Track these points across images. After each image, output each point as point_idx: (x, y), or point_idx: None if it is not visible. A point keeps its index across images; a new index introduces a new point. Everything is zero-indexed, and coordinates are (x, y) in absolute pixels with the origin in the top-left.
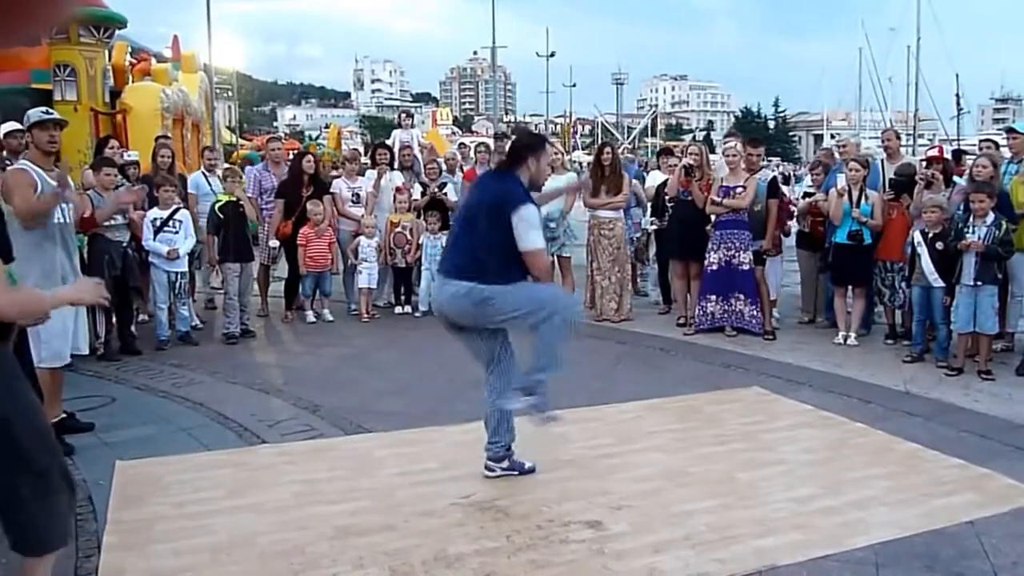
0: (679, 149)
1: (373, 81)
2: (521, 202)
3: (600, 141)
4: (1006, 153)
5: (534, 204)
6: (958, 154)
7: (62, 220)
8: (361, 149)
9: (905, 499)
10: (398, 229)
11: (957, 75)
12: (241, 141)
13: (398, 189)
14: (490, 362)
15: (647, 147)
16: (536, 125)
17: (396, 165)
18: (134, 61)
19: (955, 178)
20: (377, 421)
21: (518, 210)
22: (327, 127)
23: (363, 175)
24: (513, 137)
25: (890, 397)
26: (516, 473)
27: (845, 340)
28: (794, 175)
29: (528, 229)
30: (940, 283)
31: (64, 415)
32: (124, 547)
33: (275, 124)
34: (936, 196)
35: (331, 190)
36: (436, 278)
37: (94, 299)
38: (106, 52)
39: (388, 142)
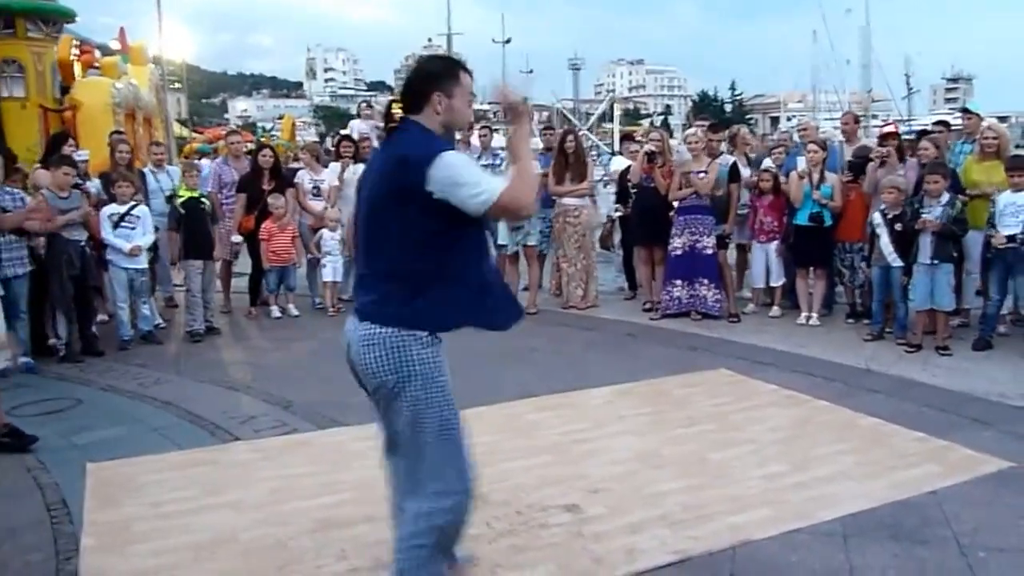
0: (638, 134)
1: (326, 70)
2: (430, 154)
3: (555, 127)
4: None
5: (451, 147)
6: (922, 134)
7: None
8: (315, 138)
9: (870, 472)
10: None
11: (907, 56)
12: (192, 134)
13: None
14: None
15: (605, 132)
16: (494, 113)
17: (357, 157)
18: (78, 54)
19: (907, 157)
20: (350, 414)
21: (432, 165)
22: (280, 118)
23: (327, 167)
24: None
25: (852, 375)
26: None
27: (807, 321)
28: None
29: (464, 180)
30: (899, 262)
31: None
32: (103, 549)
33: (226, 116)
34: (895, 177)
35: (294, 181)
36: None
37: None
38: (54, 47)
39: (347, 132)
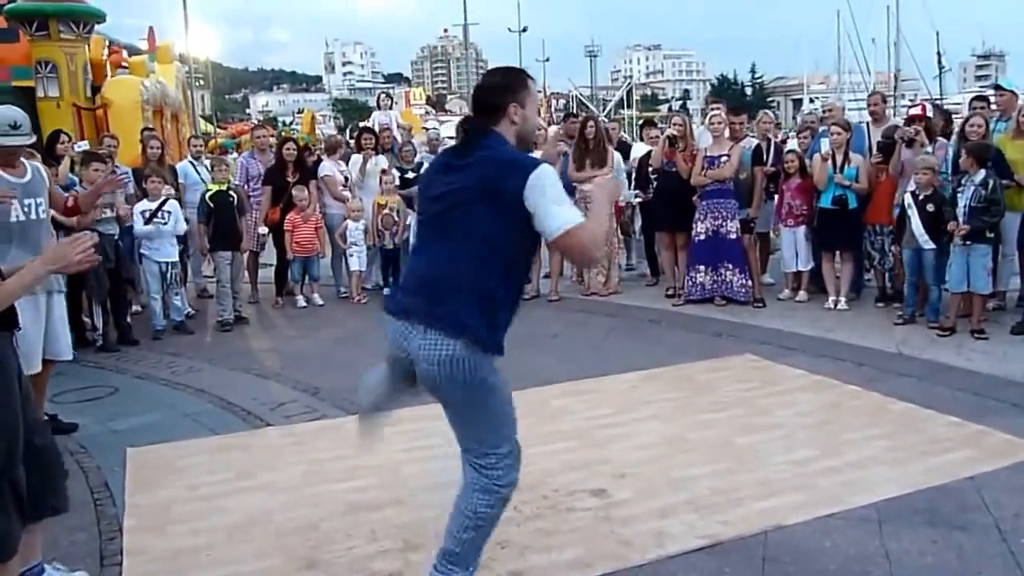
0: (657, 119)
1: (344, 64)
2: (529, 166)
3: (575, 114)
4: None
5: (546, 162)
6: (938, 110)
7: (23, 218)
8: (334, 131)
9: (903, 458)
10: (385, 211)
11: (937, 33)
12: (216, 130)
13: (383, 171)
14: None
15: (623, 119)
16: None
17: (379, 148)
18: (108, 54)
19: (940, 138)
20: None
21: (529, 178)
22: (300, 112)
23: (346, 160)
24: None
25: (883, 359)
26: None
27: (835, 305)
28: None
29: (552, 202)
30: (931, 245)
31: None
32: (144, 529)
33: (248, 111)
34: (928, 157)
35: (325, 173)
36: (392, 320)
37: (80, 261)
38: (86, 47)
39: (367, 124)
